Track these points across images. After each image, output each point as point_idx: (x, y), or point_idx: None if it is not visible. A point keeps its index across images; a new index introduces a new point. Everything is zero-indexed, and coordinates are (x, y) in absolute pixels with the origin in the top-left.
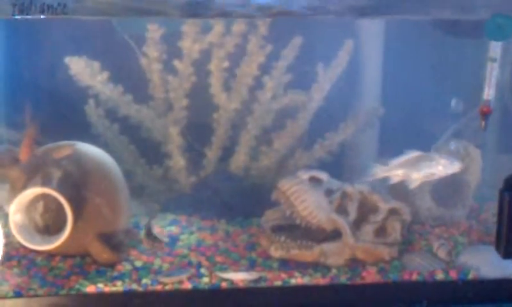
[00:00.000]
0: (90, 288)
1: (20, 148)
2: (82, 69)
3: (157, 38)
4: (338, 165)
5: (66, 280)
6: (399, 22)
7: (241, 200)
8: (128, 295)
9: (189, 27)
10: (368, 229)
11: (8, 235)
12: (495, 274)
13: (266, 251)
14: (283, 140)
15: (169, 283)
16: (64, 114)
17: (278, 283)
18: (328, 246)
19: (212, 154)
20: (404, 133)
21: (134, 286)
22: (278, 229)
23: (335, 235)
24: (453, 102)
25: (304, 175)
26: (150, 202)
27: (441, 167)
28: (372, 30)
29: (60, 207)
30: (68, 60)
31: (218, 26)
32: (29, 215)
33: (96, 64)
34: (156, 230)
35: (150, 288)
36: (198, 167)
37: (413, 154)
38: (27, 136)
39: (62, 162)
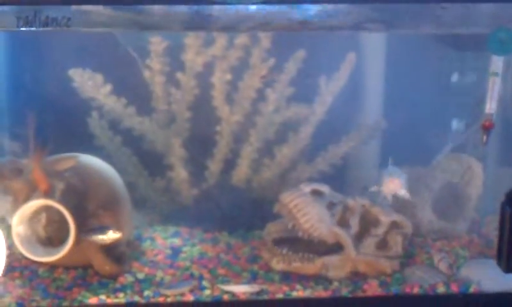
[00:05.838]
0: (92, 300)
1: (37, 180)
2: (85, 81)
3: (159, 51)
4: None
5: (68, 292)
6: (402, 36)
7: (243, 212)
8: None
9: (192, 40)
10: (369, 242)
11: (10, 246)
12: (496, 287)
13: (268, 263)
14: (286, 153)
15: (171, 295)
16: (67, 125)
17: (280, 296)
18: (329, 259)
19: (214, 166)
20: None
21: (136, 298)
22: (279, 241)
23: (337, 248)
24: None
25: (307, 188)
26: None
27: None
28: (375, 43)
29: (63, 219)
30: (71, 72)
31: (221, 39)
32: (31, 227)
33: (99, 77)
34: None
35: (152, 300)
36: (200, 179)
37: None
38: (35, 165)
39: (65, 174)
